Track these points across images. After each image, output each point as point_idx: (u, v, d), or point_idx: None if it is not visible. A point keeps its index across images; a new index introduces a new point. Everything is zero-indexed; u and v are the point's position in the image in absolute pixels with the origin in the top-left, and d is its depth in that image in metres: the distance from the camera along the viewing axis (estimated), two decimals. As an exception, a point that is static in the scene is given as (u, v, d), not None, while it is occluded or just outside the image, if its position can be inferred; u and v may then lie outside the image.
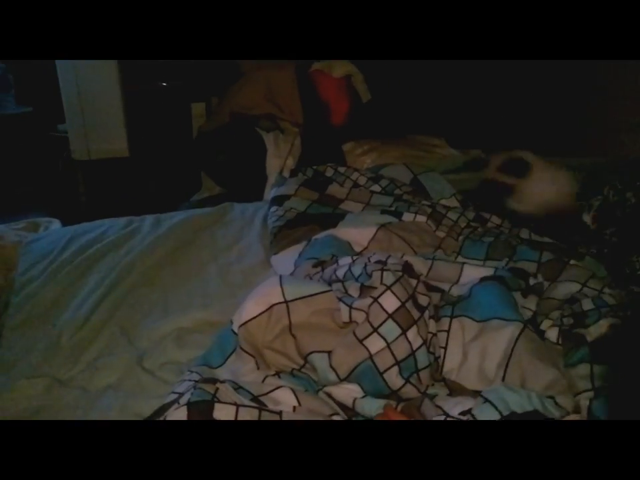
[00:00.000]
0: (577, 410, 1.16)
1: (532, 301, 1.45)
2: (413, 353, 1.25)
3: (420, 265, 1.57)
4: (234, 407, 1.08)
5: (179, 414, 1.06)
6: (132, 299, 1.66)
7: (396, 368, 1.22)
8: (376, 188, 2.19)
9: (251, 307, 1.32)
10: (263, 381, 1.26)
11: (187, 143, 3.20)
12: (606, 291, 1.51)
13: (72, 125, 2.95)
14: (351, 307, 1.32)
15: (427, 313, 1.35)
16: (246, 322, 1.30)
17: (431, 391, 1.26)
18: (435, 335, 1.33)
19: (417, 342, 1.26)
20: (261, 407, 1.11)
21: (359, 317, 1.30)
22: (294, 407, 1.14)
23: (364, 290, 1.38)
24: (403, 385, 1.22)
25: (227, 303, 1.59)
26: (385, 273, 1.38)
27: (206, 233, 2.02)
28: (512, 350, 1.23)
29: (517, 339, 1.25)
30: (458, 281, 1.53)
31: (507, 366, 1.22)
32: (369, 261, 1.50)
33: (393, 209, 1.99)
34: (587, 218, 1.96)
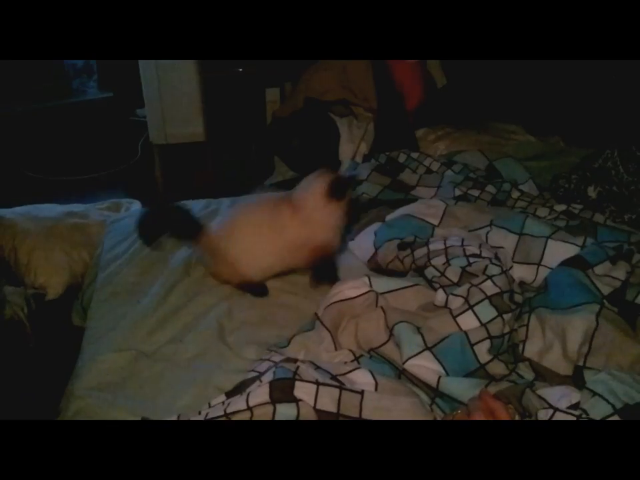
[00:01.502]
0: None
1: (621, 269, 1.42)
2: (505, 335, 1.25)
3: (505, 240, 1.58)
4: (314, 385, 1.10)
5: (261, 391, 1.09)
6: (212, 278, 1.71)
7: (487, 342, 1.22)
8: (449, 173, 2.18)
9: (347, 290, 1.37)
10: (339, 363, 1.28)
11: (261, 128, 3.24)
12: None
13: (151, 109, 3.03)
14: (449, 294, 1.34)
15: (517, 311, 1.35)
16: (340, 301, 1.35)
17: (519, 372, 1.24)
18: (515, 330, 1.33)
19: (508, 327, 1.27)
20: (342, 386, 1.12)
21: (456, 303, 1.32)
22: (375, 386, 1.15)
23: (464, 275, 1.40)
24: (491, 360, 1.21)
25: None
26: (489, 266, 1.40)
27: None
28: (594, 329, 1.21)
29: (598, 317, 1.23)
30: (540, 261, 1.52)
31: (590, 345, 1.20)
32: (463, 245, 1.52)
33: (462, 191, 1.99)
34: None
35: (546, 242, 1.55)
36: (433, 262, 1.50)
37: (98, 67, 3.57)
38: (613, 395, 1.03)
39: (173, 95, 2.98)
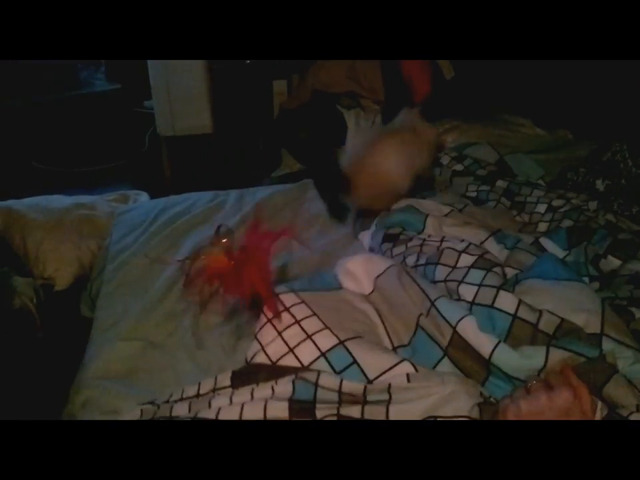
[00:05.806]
0: None
1: (595, 285, 1.45)
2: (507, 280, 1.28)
3: (497, 253, 1.53)
4: (335, 406, 1.04)
5: (280, 405, 1.04)
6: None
7: (502, 292, 1.20)
8: (459, 167, 2.17)
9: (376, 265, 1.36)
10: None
11: (268, 120, 3.24)
12: None
13: (158, 101, 3.03)
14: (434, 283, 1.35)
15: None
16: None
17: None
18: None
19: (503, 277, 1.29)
20: (365, 400, 1.04)
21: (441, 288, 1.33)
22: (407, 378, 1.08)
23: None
24: (518, 306, 1.17)
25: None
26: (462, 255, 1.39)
27: (288, 209, 2.06)
28: (602, 304, 1.19)
29: (604, 300, 1.22)
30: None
31: (602, 322, 1.14)
32: (438, 248, 1.49)
33: (474, 194, 1.98)
34: None
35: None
36: (407, 261, 1.49)
37: (106, 58, 3.57)
38: None
39: (180, 87, 2.98)
